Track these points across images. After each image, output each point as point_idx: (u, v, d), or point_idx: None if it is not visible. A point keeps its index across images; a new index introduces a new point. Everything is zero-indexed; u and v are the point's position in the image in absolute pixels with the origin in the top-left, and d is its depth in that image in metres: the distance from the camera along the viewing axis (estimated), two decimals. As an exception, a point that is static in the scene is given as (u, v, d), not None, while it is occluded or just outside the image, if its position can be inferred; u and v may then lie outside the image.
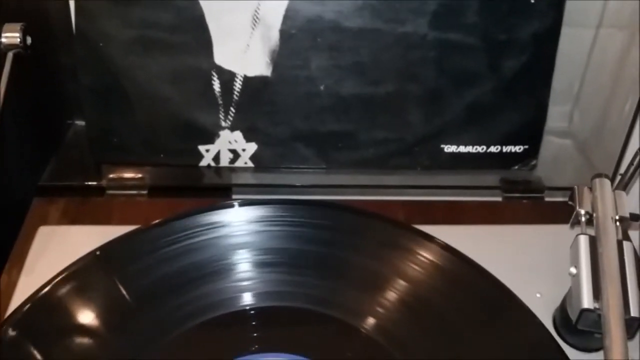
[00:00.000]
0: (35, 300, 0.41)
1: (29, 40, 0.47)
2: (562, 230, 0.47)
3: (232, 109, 0.53)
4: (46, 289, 0.42)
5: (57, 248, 0.47)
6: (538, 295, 0.45)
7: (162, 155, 0.54)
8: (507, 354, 0.40)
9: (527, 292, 0.44)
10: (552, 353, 0.40)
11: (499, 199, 0.55)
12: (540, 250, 0.48)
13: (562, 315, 0.43)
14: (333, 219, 0.47)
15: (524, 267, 0.47)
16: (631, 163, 0.46)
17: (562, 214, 0.48)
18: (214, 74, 0.51)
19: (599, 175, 0.45)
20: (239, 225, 0.47)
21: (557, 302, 0.44)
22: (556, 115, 0.60)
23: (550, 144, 0.59)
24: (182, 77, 0.52)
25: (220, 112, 0.53)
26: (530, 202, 0.55)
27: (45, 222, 0.50)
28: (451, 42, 0.51)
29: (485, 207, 0.54)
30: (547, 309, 0.45)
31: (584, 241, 0.42)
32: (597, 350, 0.42)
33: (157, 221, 0.47)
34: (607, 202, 0.43)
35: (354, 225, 0.47)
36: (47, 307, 0.42)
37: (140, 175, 0.54)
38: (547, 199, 0.55)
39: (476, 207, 0.54)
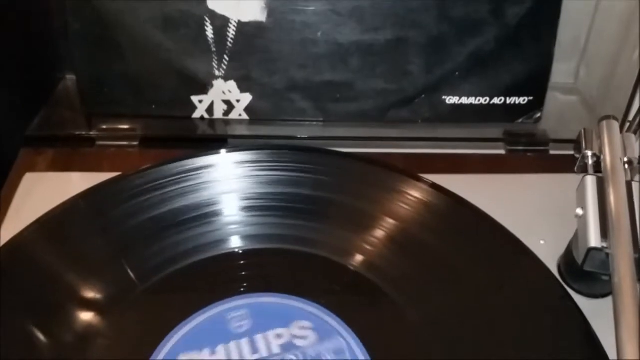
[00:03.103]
0: (9, 246, 0.40)
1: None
2: (566, 179, 0.46)
3: (225, 57, 0.51)
4: (23, 234, 0.41)
5: (42, 194, 0.46)
6: (542, 242, 0.43)
7: (153, 107, 0.53)
8: (499, 285, 0.40)
9: (531, 239, 0.42)
10: (543, 278, 0.40)
11: (502, 152, 0.53)
12: (543, 198, 0.47)
13: (567, 261, 0.41)
14: (318, 163, 0.46)
15: (527, 214, 0.45)
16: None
17: (568, 167, 0.46)
18: (206, 19, 0.50)
19: (607, 117, 0.43)
20: (225, 171, 0.46)
21: (562, 250, 0.43)
22: (562, 71, 0.58)
23: (556, 100, 0.58)
24: (174, 23, 0.50)
25: (214, 60, 0.51)
26: (534, 155, 0.53)
27: (33, 171, 0.49)
28: (453, -14, 0.49)
29: (488, 160, 0.52)
30: (552, 257, 0.43)
31: (591, 182, 0.40)
32: (603, 296, 0.40)
33: (141, 167, 0.45)
34: (615, 143, 0.41)
35: (340, 168, 0.46)
36: (24, 253, 0.40)
37: (131, 126, 0.52)
38: (552, 152, 0.53)
39: (479, 160, 0.52)
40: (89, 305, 0.38)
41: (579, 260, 0.39)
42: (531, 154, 0.53)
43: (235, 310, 0.38)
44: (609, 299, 0.40)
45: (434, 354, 0.36)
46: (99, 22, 0.50)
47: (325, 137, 0.53)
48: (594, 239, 0.37)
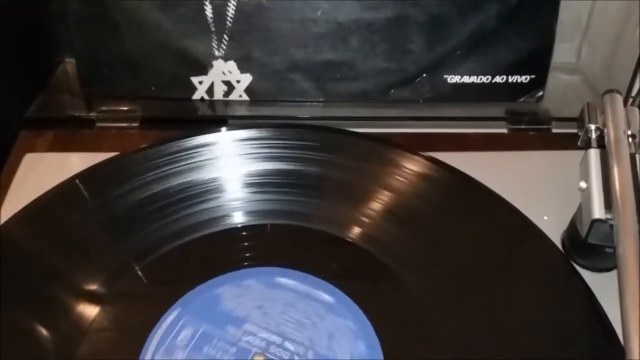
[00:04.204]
0: (7, 226, 0.39)
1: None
2: (569, 156, 0.45)
3: (225, 36, 0.51)
4: (21, 214, 0.40)
5: (41, 174, 0.45)
6: (545, 218, 0.43)
7: (153, 88, 0.52)
8: (504, 257, 0.40)
9: (534, 215, 0.42)
10: (548, 252, 0.39)
11: (504, 130, 0.53)
12: (546, 175, 0.47)
13: (571, 235, 0.41)
14: (317, 140, 0.46)
15: (530, 191, 0.45)
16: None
17: (570, 145, 0.46)
18: (206, -3, 0.49)
19: (610, 91, 0.42)
20: (225, 148, 0.45)
21: (565, 226, 0.42)
22: (564, 51, 0.58)
23: (558, 79, 0.57)
24: (173, 2, 0.49)
25: (213, 40, 0.51)
26: (536, 134, 0.53)
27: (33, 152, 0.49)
28: (454, -38, 0.49)
29: (490, 139, 0.52)
30: (555, 233, 0.42)
31: (594, 155, 0.40)
32: (607, 270, 0.40)
33: (141, 146, 0.45)
34: (618, 117, 0.41)
35: (338, 144, 0.46)
36: (22, 231, 0.40)
37: (131, 108, 0.52)
38: (554, 131, 0.53)
39: (481, 139, 0.52)
40: (89, 281, 0.38)
41: (583, 233, 0.38)
42: (533, 132, 0.53)
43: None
44: (613, 273, 0.39)
45: (437, 325, 0.36)
46: (98, 3, 0.49)
47: (326, 117, 0.52)
48: (598, 211, 0.37)
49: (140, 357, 0.34)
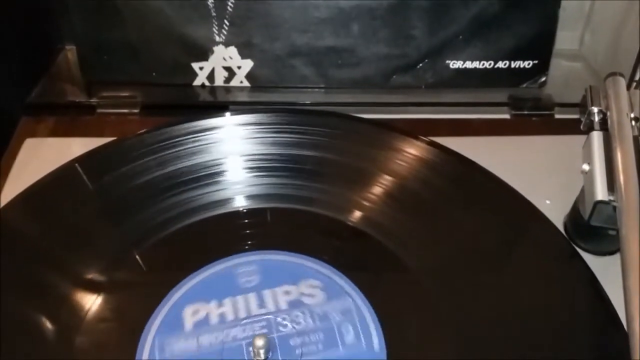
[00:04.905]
0: (7, 210, 0.39)
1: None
2: (571, 141, 0.45)
3: (226, 22, 0.50)
4: (19, 198, 0.40)
5: (42, 159, 0.45)
6: (547, 202, 0.43)
7: (154, 74, 0.52)
8: (498, 235, 0.40)
9: (536, 199, 0.42)
10: (550, 235, 0.39)
11: (507, 116, 0.53)
12: (548, 159, 0.46)
13: (573, 219, 0.41)
14: (318, 124, 0.46)
15: (532, 175, 0.45)
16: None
17: (572, 131, 0.45)
18: (206, -17, 0.49)
19: (613, 74, 0.42)
20: (227, 132, 0.45)
21: (567, 210, 0.42)
22: (566, 38, 0.58)
23: (561, 66, 0.57)
24: (174, -14, 0.49)
25: (214, 25, 0.50)
26: (539, 119, 0.52)
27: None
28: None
29: (493, 124, 0.52)
30: (557, 217, 0.42)
31: (597, 137, 0.39)
32: (610, 253, 0.40)
33: (142, 130, 0.45)
34: (621, 99, 0.40)
35: (340, 129, 0.46)
36: (21, 215, 0.40)
37: (131, 94, 0.52)
38: (557, 116, 0.52)
39: (483, 124, 0.52)
40: (90, 263, 0.38)
41: (586, 216, 0.38)
42: (536, 118, 0.53)
43: (244, 265, 0.38)
44: (616, 257, 0.39)
45: (440, 307, 0.36)
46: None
47: (328, 102, 0.52)
48: (601, 192, 0.37)
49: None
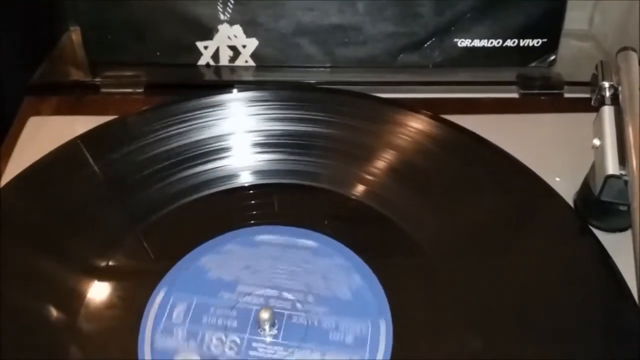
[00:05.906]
0: (9, 187, 0.39)
1: None
2: (581, 118, 0.44)
3: (230, 0, 0.50)
4: (22, 175, 0.40)
5: (45, 137, 0.45)
6: (557, 179, 0.42)
7: (158, 53, 0.52)
8: (509, 212, 0.39)
9: (546, 176, 0.41)
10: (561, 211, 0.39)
11: (516, 95, 0.52)
12: (558, 137, 0.46)
13: (583, 195, 0.40)
14: (321, 101, 0.46)
15: (542, 152, 0.44)
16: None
17: (582, 109, 0.45)
18: (211, -40, 0.48)
19: (625, 49, 0.41)
20: (232, 109, 0.45)
21: (577, 187, 0.41)
22: (576, 18, 0.57)
23: (570, 46, 0.56)
24: (177, -35, 0.49)
25: (219, 3, 0.50)
26: (548, 98, 0.52)
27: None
28: None
29: (501, 103, 0.51)
30: (567, 194, 0.41)
31: (608, 112, 0.39)
32: (620, 230, 0.39)
33: (145, 108, 0.45)
34: (633, 73, 0.40)
35: (343, 105, 0.46)
36: (25, 191, 0.40)
37: (135, 73, 0.51)
38: (566, 95, 0.52)
39: (491, 103, 0.51)
40: (95, 238, 0.37)
41: (596, 191, 0.37)
42: (545, 97, 0.52)
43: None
44: (627, 233, 0.39)
45: (452, 284, 0.36)
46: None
47: (334, 81, 0.51)
48: (612, 167, 0.36)
49: (139, 344, 0.33)
